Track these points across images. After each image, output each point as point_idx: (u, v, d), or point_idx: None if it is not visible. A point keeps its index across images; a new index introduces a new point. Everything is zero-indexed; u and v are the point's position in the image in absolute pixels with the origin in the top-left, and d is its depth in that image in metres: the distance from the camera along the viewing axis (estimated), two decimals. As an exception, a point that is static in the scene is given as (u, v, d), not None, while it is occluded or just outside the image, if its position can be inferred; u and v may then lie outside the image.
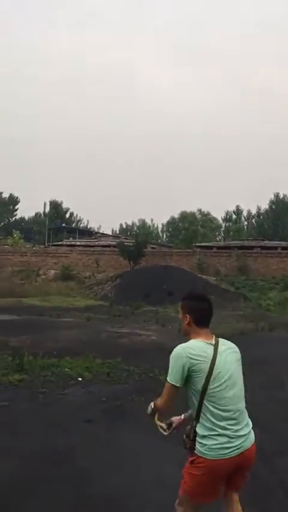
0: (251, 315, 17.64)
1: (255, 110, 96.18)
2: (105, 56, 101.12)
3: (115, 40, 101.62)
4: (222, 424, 2.45)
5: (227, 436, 2.44)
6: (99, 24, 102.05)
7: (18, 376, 7.04)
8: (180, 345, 2.58)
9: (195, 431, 2.51)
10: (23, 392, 6.42)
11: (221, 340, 2.66)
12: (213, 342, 2.60)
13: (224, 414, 2.47)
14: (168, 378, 2.54)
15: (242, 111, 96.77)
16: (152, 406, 2.75)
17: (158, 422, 2.79)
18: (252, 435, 2.58)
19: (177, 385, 2.50)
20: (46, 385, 6.76)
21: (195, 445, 2.49)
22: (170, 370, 2.54)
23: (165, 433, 2.78)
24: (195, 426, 2.51)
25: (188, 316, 2.66)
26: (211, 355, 2.52)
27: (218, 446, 2.43)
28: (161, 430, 2.79)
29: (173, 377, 2.51)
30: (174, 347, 2.63)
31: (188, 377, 2.49)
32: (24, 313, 16.00)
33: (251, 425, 2.61)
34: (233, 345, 2.73)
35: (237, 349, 2.74)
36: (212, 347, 2.56)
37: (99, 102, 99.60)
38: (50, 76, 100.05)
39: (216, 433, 2.44)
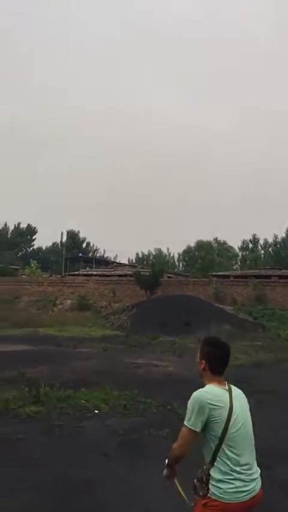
0: (270, 346, 17.33)
1: (270, 138, 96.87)
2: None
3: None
4: (237, 468, 2.47)
5: (242, 480, 2.46)
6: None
7: (35, 408, 7.00)
8: (198, 391, 2.57)
9: (208, 475, 2.49)
10: (39, 424, 6.37)
11: (232, 386, 2.69)
12: (227, 388, 2.63)
13: (239, 459, 2.48)
14: (187, 423, 2.51)
15: (257, 140, 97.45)
16: (168, 461, 2.70)
17: (180, 489, 2.73)
18: (260, 479, 2.60)
19: (197, 430, 2.48)
20: (62, 417, 6.70)
21: (208, 489, 2.47)
22: (189, 415, 2.51)
23: (187, 501, 2.68)
24: (209, 470, 2.49)
25: (204, 362, 2.68)
26: (228, 401, 2.55)
27: (234, 490, 2.44)
28: (183, 496, 2.72)
29: (192, 422, 2.48)
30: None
31: (206, 423, 2.49)
32: (41, 343, 15.99)
33: (259, 470, 2.62)
34: (240, 391, 2.74)
35: (244, 395, 2.75)
36: (228, 393, 2.59)
37: (115, 137, 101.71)
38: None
39: (232, 477, 2.45)
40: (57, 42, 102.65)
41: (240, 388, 2.72)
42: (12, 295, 33.96)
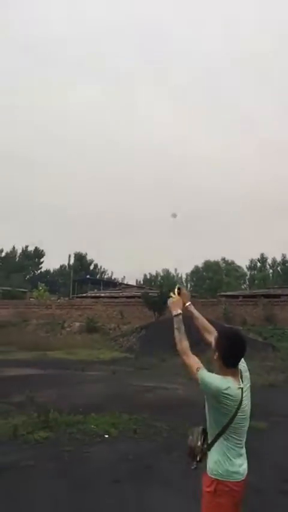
0: (281, 366, 17.08)
1: (273, 162, 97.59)
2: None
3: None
4: (237, 449, 2.62)
5: (240, 462, 2.62)
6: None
7: (44, 434, 6.91)
8: (224, 378, 2.59)
9: (206, 446, 2.64)
10: (48, 450, 6.28)
11: (244, 375, 2.72)
12: (241, 385, 2.64)
13: (238, 442, 2.63)
14: (201, 370, 2.59)
15: (260, 163, 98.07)
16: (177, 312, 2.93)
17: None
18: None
19: (197, 381, 2.59)
20: (72, 442, 6.61)
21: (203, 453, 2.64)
22: (207, 374, 2.58)
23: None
24: (210, 447, 2.62)
25: (217, 353, 2.68)
26: (240, 398, 2.60)
27: (235, 469, 2.58)
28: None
29: (202, 377, 2.56)
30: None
31: (216, 406, 2.57)
32: (49, 367, 15.90)
33: None
34: (249, 381, 2.77)
35: (249, 383, 2.78)
36: (241, 391, 2.62)
37: (120, 158, 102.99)
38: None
39: (233, 458, 2.59)
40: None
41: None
42: (20, 318, 33.97)
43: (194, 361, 2.65)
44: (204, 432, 2.69)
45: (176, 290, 3.08)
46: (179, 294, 3.06)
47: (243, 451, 2.68)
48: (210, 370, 2.66)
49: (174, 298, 3.00)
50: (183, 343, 2.75)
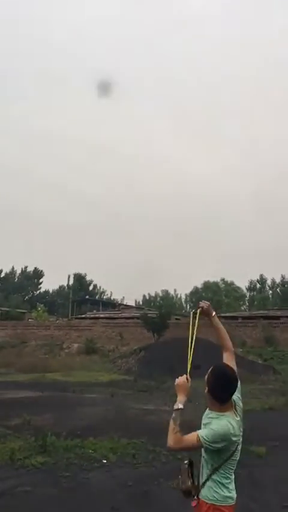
0: (281, 389, 16.92)
1: (269, 179, 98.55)
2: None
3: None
4: (230, 477, 2.65)
5: (232, 487, 2.66)
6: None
7: (41, 459, 6.81)
8: (228, 422, 2.59)
9: (197, 481, 2.66)
10: (45, 476, 6.18)
11: (238, 407, 2.73)
12: (238, 418, 2.67)
13: (232, 470, 2.67)
14: (203, 437, 2.54)
15: (257, 184, 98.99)
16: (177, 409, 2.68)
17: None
18: None
19: (205, 446, 2.55)
20: (69, 468, 6.51)
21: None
22: (211, 434, 2.54)
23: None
24: (210, 475, 2.63)
25: (207, 388, 2.71)
26: (240, 431, 2.65)
27: (230, 495, 2.64)
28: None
29: (209, 439, 2.53)
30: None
31: (219, 448, 2.58)
32: (48, 389, 15.74)
33: None
34: (241, 404, 2.80)
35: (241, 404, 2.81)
36: (239, 423, 2.66)
37: (119, 181, 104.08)
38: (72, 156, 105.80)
39: (227, 484, 2.63)
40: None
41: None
42: (19, 339, 33.77)
43: (188, 438, 2.57)
44: (191, 464, 2.70)
45: (192, 315, 3.05)
46: (194, 317, 3.02)
47: (233, 475, 2.73)
48: None
49: (182, 382, 2.75)
50: (177, 435, 2.58)
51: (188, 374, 2.83)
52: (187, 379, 2.76)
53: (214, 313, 3.13)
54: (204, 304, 3.12)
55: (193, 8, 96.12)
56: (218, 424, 2.58)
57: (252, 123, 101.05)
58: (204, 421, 2.71)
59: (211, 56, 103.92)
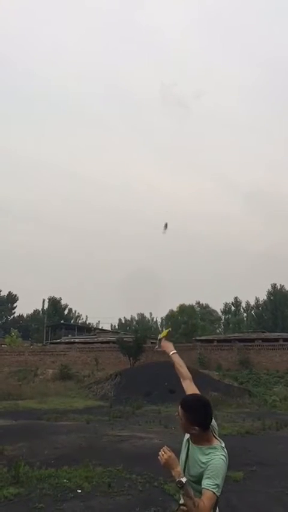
0: (257, 413, 16.97)
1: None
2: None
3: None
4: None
5: None
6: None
7: (14, 490, 6.60)
8: (222, 456, 2.56)
9: None
10: (18, 508, 5.98)
11: (215, 430, 2.75)
12: (223, 444, 2.66)
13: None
14: (217, 491, 2.45)
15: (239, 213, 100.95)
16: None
17: None
18: None
19: (215, 490, 2.46)
20: (43, 499, 6.32)
21: None
22: (218, 482, 2.46)
23: None
24: None
25: (183, 419, 2.66)
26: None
27: None
28: None
29: (220, 490, 2.47)
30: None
31: None
32: (21, 417, 15.33)
33: None
34: (216, 427, 2.81)
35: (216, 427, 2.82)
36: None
37: (98, 200, 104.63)
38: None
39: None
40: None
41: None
42: (-9, 365, 32.88)
43: (209, 502, 2.41)
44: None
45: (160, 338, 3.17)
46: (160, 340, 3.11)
47: None
48: None
49: (166, 457, 2.49)
50: (201, 507, 2.39)
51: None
52: (164, 451, 2.50)
53: (174, 351, 3.19)
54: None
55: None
56: (216, 468, 2.51)
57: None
58: (199, 462, 2.59)
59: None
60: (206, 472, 2.51)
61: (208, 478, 2.48)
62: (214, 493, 2.43)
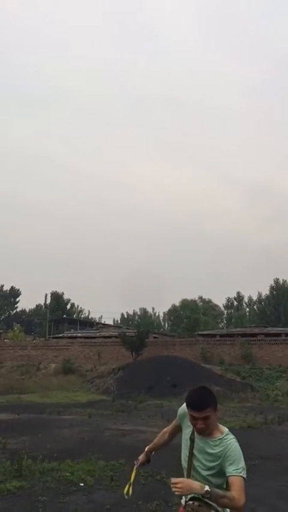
0: (260, 407, 16.99)
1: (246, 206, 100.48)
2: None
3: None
4: None
5: None
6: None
7: (17, 483, 6.63)
8: (232, 436, 2.56)
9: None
10: (22, 501, 6.01)
11: None
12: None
13: None
14: (243, 473, 2.43)
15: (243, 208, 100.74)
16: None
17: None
18: None
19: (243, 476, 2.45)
20: (46, 492, 6.35)
21: None
22: (242, 464, 2.46)
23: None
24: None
25: (215, 411, 2.62)
26: None
27: None
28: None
29: (245, 471, 2.47)
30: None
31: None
32: (24, 411, 15.40)
33: None
34: None
35: None
36: None
37: (97, 194, 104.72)
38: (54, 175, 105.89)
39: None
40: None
41: None
42: (-6, 360, 33.02)
43: (241, 488, 2.37)
44: (195, 498, 2.49)
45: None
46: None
47: None
48: None
49: (183, 485, 2.39)
50: (235, 497, 2.33)
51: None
52: (175, 483, 2.41)
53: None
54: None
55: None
56: (235, 452, 2.47)
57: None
58: (212, 455, 2.52)
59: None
60: (227, 459, 2.45)
61: (231, 464, 2.44)
62: (243, 477, 2.41)
